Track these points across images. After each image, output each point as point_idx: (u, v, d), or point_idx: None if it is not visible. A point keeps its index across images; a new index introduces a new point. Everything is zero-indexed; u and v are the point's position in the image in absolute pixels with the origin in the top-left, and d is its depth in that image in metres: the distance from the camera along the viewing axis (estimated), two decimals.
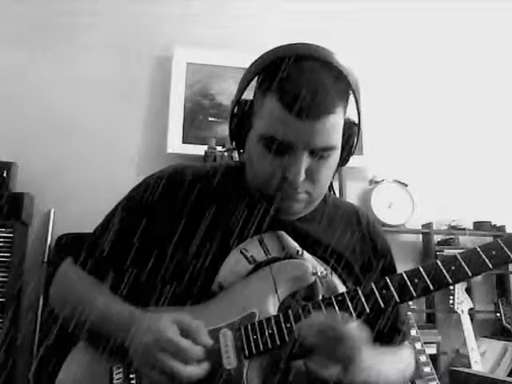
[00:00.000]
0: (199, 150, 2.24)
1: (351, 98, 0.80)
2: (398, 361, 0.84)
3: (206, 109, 2.46)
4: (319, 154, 0.76)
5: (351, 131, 0.81)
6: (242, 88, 0.82)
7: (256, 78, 0.81)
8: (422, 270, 0.72)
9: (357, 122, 0.83)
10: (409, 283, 0.71)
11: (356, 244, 0.89)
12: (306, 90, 0.72)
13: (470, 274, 0.71)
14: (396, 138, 2.63)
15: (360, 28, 2.68)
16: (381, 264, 0.90)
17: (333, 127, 0.75)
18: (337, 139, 0.77)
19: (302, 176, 0.74)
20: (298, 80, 0.73)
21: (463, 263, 0.71)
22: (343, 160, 0.83)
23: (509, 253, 0.71)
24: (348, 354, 0.66)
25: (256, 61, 0.81)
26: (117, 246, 0.85)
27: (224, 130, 2.41)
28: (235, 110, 0.82)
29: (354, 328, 0.67)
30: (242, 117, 0.81)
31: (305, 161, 0.74)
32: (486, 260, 0.71)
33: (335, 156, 0.79)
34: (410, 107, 2.71)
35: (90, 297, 0.82)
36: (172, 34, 2.49)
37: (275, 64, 0.75)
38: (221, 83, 2.50)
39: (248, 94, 0.83)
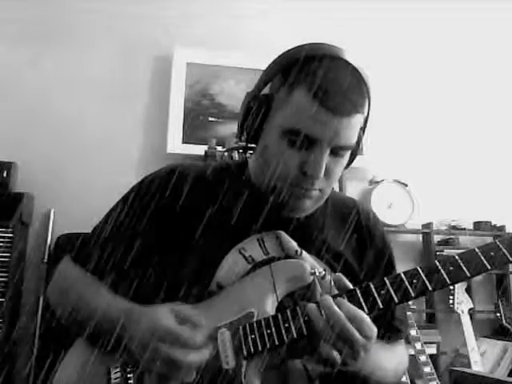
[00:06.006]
0: (199, 150, 2.25)
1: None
2: (391, 356, 0.84)
3: (206, 109, 2.46)
4: (338, 152, 0.77)
5: (360, 134, 0.81)
6: (264, 82, 0.82)
7: (279, 74, 0.80)
8: (420, 270, 0.72)
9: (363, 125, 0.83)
10: (407, 284, 0.71)
11: (355, 242, 0.90)
12: (338, 86, 0.73)
13: (468, 274, 0.71)
14: (396, 138, 2.63)
15: (360, 28, 2.68)
16: (379, 261, 0.90)
17: (355, 127, 0.76)
18: (355, 140, 0.78)
19: (323, 172, 0.75)
20: (330, 76, 0.74)
21: (462, 264, 0.71)
22: (348, 162, 0.83)
23: (507, 254, 0.71)
24: (365, 339, 0.66)
25: (280, 57, 0.80)
26: (115, 244, 0.85)
27: (224, 130, 2.41)
28: (252, 104, 0.81)
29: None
30: (260, 111, 0.80)
31: (326, 157, 0.75)
32: (485, 261, 0.71)
33: (348, 156, 0.81)
34: (411, 107, 2.71)
35: (88, 295, 0.81)
36: (172, 34, 2.49)
37: (304, 60, 0.76)
38: (221, 83, 2.50)
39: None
